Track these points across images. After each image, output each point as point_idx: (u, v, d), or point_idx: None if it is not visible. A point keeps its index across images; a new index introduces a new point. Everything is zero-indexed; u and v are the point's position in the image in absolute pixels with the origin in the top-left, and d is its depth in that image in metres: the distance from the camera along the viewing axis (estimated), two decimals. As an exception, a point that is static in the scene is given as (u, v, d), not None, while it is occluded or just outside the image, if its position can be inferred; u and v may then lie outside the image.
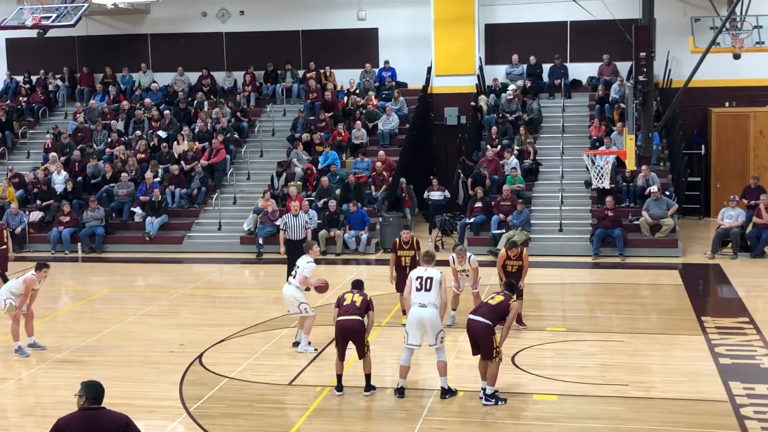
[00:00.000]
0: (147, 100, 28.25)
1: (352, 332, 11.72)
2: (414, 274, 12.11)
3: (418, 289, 11.77)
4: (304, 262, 13.91)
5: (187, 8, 29.46)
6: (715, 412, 11.02)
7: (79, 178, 25.36)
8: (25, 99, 29.63)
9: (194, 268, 22.08)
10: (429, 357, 12.59)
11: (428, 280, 11.79)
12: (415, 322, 11.69)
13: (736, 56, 22.29)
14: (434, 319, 11.67)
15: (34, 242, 23.73)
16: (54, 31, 25.58)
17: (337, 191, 23.65)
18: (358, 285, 12.24)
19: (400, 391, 11.75)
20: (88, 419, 7.11)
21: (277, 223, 20.68)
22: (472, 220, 22.47)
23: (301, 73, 28.94)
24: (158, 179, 24.93)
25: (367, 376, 11.90)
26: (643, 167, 22.55)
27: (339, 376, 11.95)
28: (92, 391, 7.19)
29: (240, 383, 12.53)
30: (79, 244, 23.36)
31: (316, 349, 13.82)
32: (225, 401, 11.85)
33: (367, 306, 11.85)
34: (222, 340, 14.61)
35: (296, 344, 13.98)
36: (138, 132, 26.96)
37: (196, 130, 26.57)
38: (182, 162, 25.42)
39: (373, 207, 23.57)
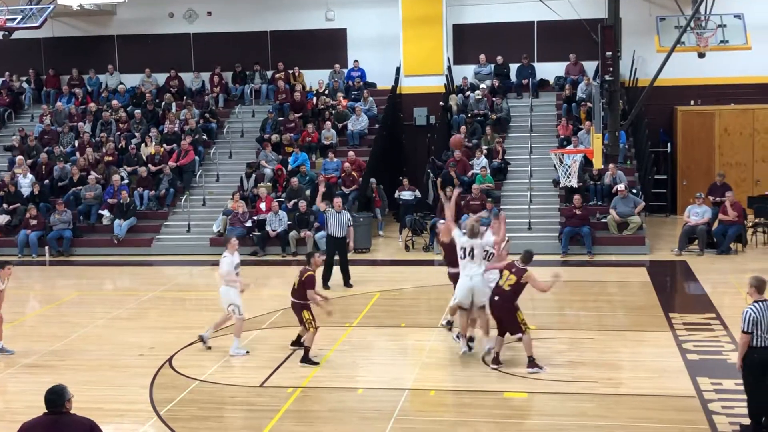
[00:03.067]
0: (114, 102, 28.05)
1: (295, 311, 13.30)
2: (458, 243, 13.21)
3: (462, 258, 13.04)
4: (221, 258, 14.25)
5: (153, 9, 29.29)
6: (684, 408, 11.14)
7: (46, 181, 25.15)
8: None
9: (163, 270, 21.97)
10: (401, 357, 12.64)
11: (472, 250, 12.96)
12: (464, 291, 13.04)
13: (701, 55, 22.57)
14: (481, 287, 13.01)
15: (0, 246, 23.49)
16: (19, 33, 25.36)
17: (307, 192, 23.63)
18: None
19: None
20: (51, 424, 7.09)
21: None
22: (442, 220, 22.50)
23: (269, 74, 28.88)
24: (126, 181, 24.78)
25: (306, 349, 13.05)
26: (611, 166, 22.73)
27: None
28: (49, 397, 7.17)
29: (211, 386, 12.50)
30: (46, 247, 23.16)
31: (248, 352, 13.80)
32: (196, 404, 11.82)
33: (302, 284, 13.08)
34: (192, 343, 14.54)
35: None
36: (105, 134, 26.77)
37: (164, 132, 26.44)
38: (150, 164, 25.28)
39: (344, 207, 23.53)
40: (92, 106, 28.17)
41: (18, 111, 29.63)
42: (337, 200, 19.16)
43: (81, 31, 29.94)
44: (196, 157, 25.58)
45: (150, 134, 26.25)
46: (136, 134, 26.71)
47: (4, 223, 24.01)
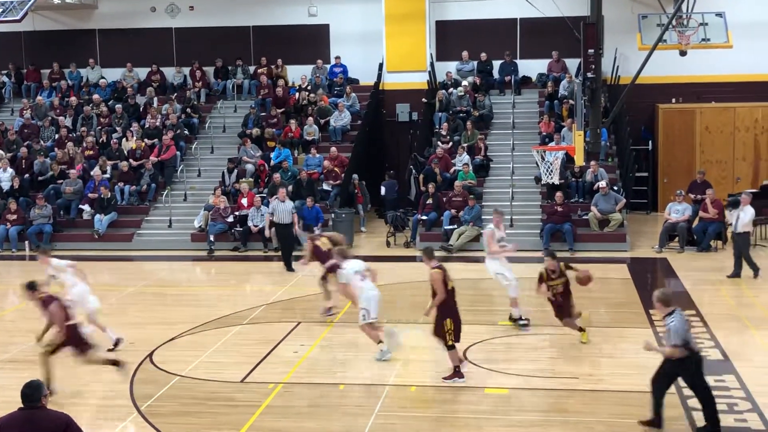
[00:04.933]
0: (95, 96, 27.90)
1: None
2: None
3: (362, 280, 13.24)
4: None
5: (135, 3, 29.17)
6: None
7: (26, 176, 24.98)
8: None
9: (144, 265, 21.89)
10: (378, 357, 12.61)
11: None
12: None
13: (683, 53, 22.69)
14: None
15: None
16: (-1, 26, 25.19)
17: (289, 188, 23.57)
18: None
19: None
20: (26, 419, 7.04)
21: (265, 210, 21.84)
22: (424, 216, 22.56)
23: (252, 69, 28.79)
24: (107, 176, 24.65)
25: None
26: (592, 163, 22.81)
27: None
28: (25, 391, 7.13)
29: (191, 381, 12.46)
30: (26, 242, 23.01)
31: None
32: (176, 399, 11.79)
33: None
34: (173, 338, 14.50)
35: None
36: (85, 128, 26.63)
37: (146, 127, 26.31)
38: (131, 159, 25.16)
39: (326, 203, 23.54)
40: (73, 100, 28.00)
41: (-4, 105, 29.44)
42: (282, 190, 20.62)
43: (62, 25, 29.76)
44: (178, 152, 25.48)
45: (131, 129, 26.13)
46: (117, 129, 26.58)
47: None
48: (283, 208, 20.20)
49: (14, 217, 23.22)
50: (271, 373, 12.70)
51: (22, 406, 7.11)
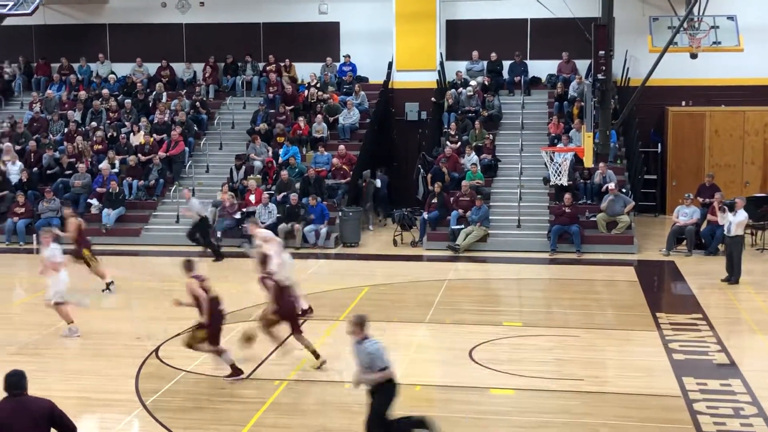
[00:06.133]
0: (105, 91, 27.94)
1: None
2: None
3: None
4: None
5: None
6: (669, 407, 11.18)
7: (35, 169, 25.03)
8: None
9: (151, 260, 21.90)
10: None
11: None
12: None
13: (693, 56, 22.63)
14: None
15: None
16: (10, 20, 25.21)
17: (297, 185, 23.60)
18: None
19: None
20: (15, 406, 7.23)
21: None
22: (428, 215, 22.55)
23: (261, 65, 28.80)
24: (116, 171, 24.69)
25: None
26: (601, 164, 22.76)
27: None
28: (11, 379, 7.34)
29: (197, 377, 12.47)
30: (34, 235, 23.03)
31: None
32: (182, 395, 11.80)
33: None
34: (179, 334, 14.50)
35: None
36: (94, 123, 26.67)
37: (155, 122, 26.35)
38: (139, 154, 25.20)
39: (333, 201, 23.55)
40: (82, 94, 28.04)
41: (8, 98, 29.48)
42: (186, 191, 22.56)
43: (72, 19, 29.78)
44: (186, 148, 25.51)
45: (140, 124, 26.16)
46: (126, 123, 26.62)
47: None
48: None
49: (22, 210, 23.27)
50: (276, 370, 12.71)
51: (6, 394, 7.29)
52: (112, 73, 29.10)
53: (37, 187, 24.42)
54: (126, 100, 27.40)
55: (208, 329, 12.16)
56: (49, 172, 25.01)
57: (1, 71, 29.75)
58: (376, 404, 9.45)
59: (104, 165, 24.51)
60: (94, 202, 23.90)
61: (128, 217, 23.87)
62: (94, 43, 29.60)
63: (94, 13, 29.68)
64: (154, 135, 25.79)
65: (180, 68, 29.15)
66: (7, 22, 24.99)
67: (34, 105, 27.88)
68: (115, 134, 26.15)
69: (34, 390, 7.51)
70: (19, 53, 29.88)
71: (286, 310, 12.68)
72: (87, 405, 11.30)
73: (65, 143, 25.89)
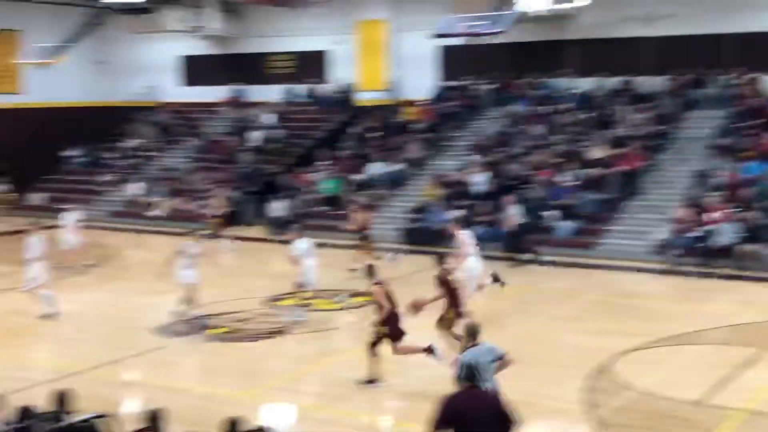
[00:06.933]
0: (566, 105, 28.51)
1: None
2: None
3: None
4: None
5: (614, 12, 29.02)
6: None
7: (497, 179, 26.22)
8: (454, 104, 31.23)
9: (604, 274, 21.76)
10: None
11: None
12: None
13: None
14: None
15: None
16: (483, 38, 26.59)
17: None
18: None
19: None
20: (474, 395, 7.69)
21: None
22: None
23: (726, 78, 27.42)
24: (576, 183, 25.01)
25: None
26: None
27: None
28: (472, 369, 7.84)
29: (645, 395, 12.18)
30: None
31: None
32: (628, 412, 11.62)
33: None
34: (630, 350, 14.30)
35: None
36: (555, 137, 27.33)
37: (614, 136, 26.34)
38: (597, 167, 25.32)
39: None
40: (545, 108, 28.87)
41: (475, 113, 31.17)
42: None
43: (540, 36, 30.56)
44: (646, 162, 25.14)
45: (598, 137, 26.29)
46: (585, 137, 26.92)
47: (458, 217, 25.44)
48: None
49: (485, 218, 24.47)
50: (736, 398, 11.99)
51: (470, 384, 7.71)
52: (575, 87, 29.60)
53: (498, 197, 25.53)
54: (585, 115, 27.71)
55: (389, 329, 12.58)
56: (510, 183, 26.00)
57: (472, 88, 31.64)
58: None
59: (562, 178, 25.00)
60: (551, 213, 24.38)
61: (583, 229, 24.09)
62: (558, 59, 30.27)
63: (562, 29, 30.21)
64: (614, 148, 25.78)
65: (642, 82, 28.77)
66: (478, 40, 26.37)
67: (500, 119, 29.26)
68: (574, 148, 26.59)
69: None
70: (487, 70, 31.45)
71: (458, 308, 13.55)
72: (534, 412, 11.53)
73: (526, 156, 26.84)
